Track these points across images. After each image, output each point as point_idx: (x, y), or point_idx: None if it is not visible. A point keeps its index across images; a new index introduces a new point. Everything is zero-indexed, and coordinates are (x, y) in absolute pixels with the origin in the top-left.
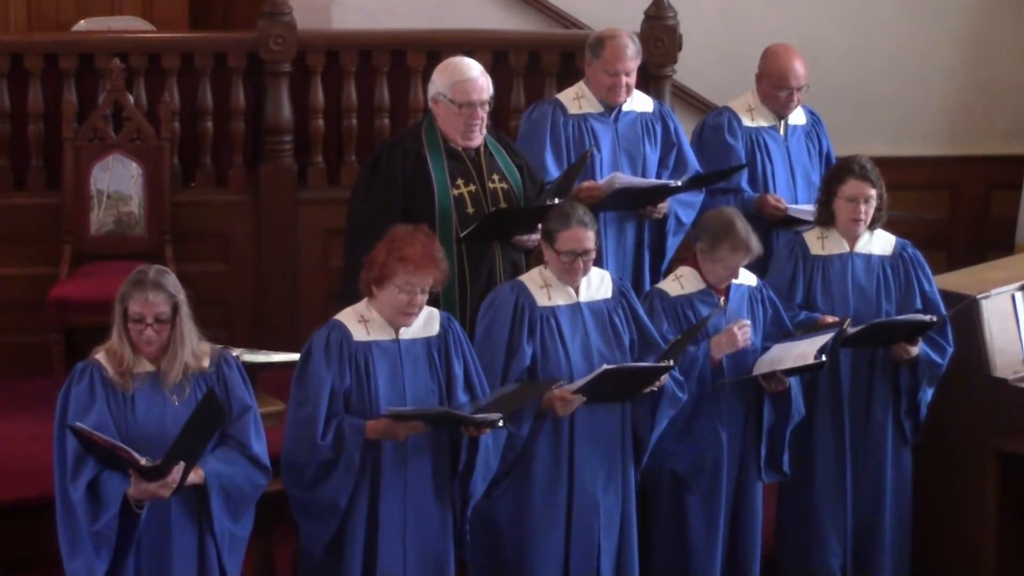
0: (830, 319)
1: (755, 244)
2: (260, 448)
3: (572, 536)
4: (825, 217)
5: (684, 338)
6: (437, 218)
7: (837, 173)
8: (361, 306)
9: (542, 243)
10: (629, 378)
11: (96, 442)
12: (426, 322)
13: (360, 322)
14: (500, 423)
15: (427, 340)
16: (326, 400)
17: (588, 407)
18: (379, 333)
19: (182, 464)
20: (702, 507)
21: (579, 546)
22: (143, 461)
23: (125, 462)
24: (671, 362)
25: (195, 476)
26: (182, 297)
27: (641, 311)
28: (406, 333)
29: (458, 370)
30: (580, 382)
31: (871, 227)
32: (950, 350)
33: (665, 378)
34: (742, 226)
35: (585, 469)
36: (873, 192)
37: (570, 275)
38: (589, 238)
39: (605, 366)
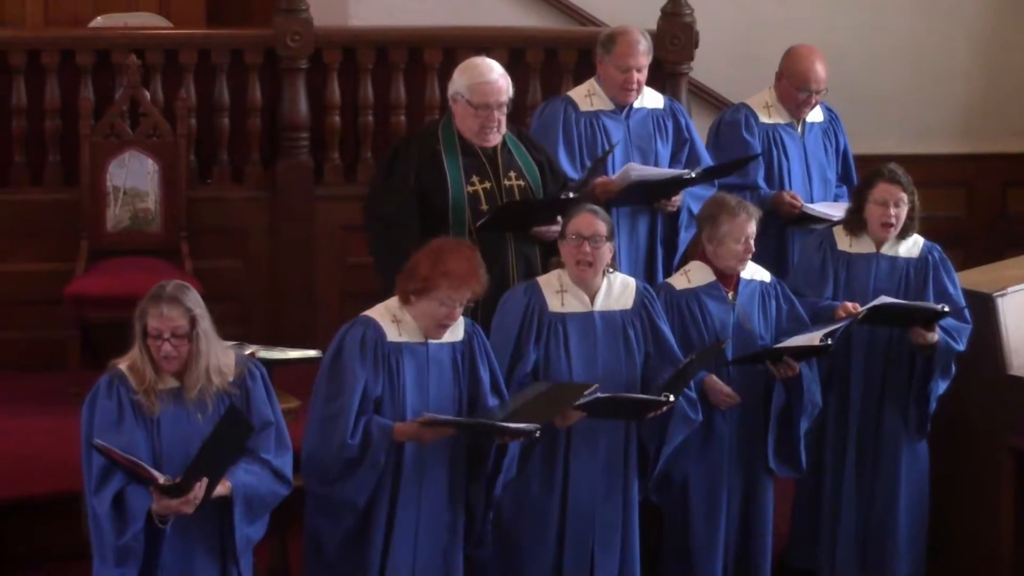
0: (850, 305)
1: (753, 208)
2: (282, 461)
3: (565, 546)
4: (856, 224)
5: (688, 369)
6: (450, 214)
7: (866, 179)
8: (393, 305)
9: (559, 240)
10: (626, 406)
11: (116, 460)
12: (452, 328)
13: (394, 322)
14: (537, 434)
15: (452, 345)
16: (358, 398)
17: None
18: (411, 335)
19: (205, 480)
20: (703, 505)
21: (572, 556)
22: (162, 480)
23: (146, 479)
24: (671, 397)
25: (222, 488)
26: (200, 312)
27: (661, 324)
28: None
29: (484, 375)
30: (578, 402)
31: (903, 234)
32: (962, 347)
33: (667, 409)
34: (732, 197)
35: (581, 478)
36: (903, 195)
37: (578, 266)
38: (598, 224)
39: (598, 394)
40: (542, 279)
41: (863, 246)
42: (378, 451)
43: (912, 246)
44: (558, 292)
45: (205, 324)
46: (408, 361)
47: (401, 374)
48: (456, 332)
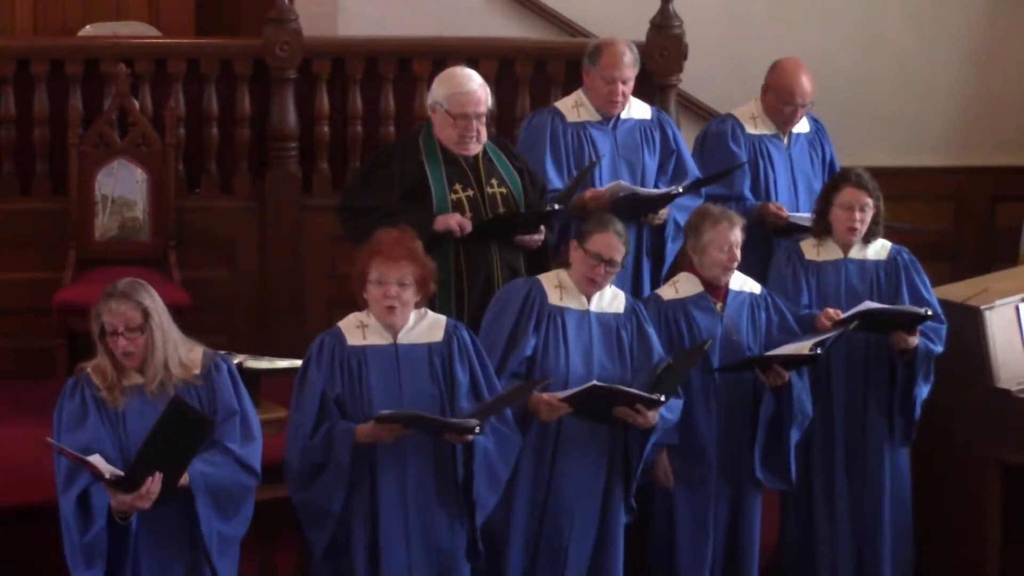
0: (831, 311)
1: (736, 216)
2: (247, 450)
3: (542, 539)
4: (821, 228)
5: (675, 370)
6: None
7: (833, 182)
8: (363, 312)
9: (572, 242)
10: (618, 400)
11: (69, 458)
12: (430, 328)
13: (358, 327)
14: (476, 429)
15: (428, 346)
16: (316, 404)
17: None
18: (376, 338)
19: (158, 475)
20: (689, 517)
21: (546, 550)
22: (107, 474)
23: (96, 475)
24: (662, 397)
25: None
26: (152, 305)
27: (650, 331)
28: (405, 338)
29: (462, 377)
30: (568, 392)
31: (867, 239)
32: (940, 348)
33: (654, 415)
34: (715, 206)
35: (566, 476)
36: (869, 200)
37: (589, 280)
38: (619, 250)
39: (595, 382)
40: (542, 276)
41: (830, 253)
42: (341, 453)
43: (880, 249)
44: (557, 287)
45: (158, 318)
46: (374, 363)
47: (365, 377)
48: (435, 333)
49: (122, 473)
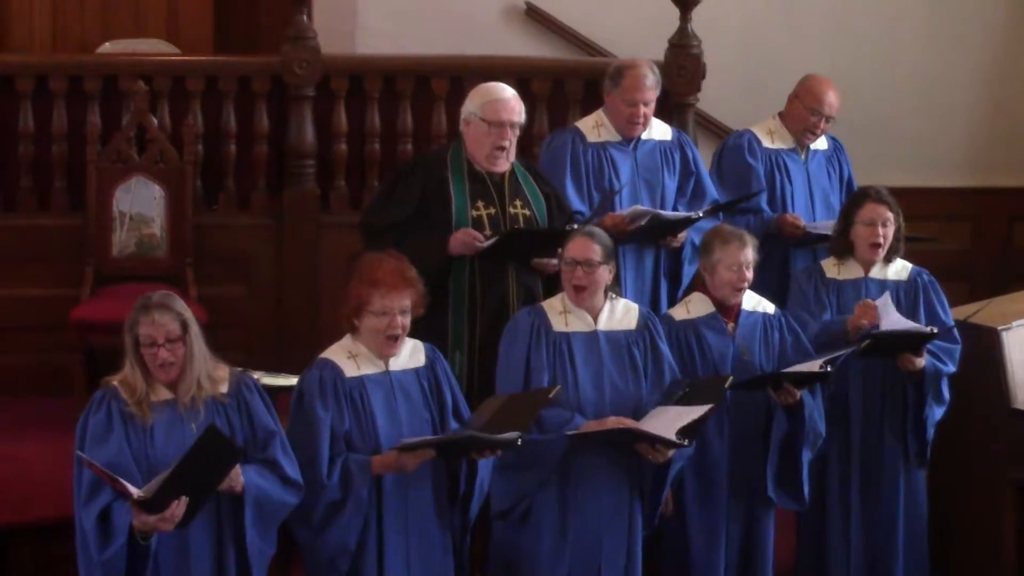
0: (869, 301)
1: (748, 236)
2: (292, 470)
3: (573, 562)
4: (842, 247)
5: (701, 416)
6: None
7: (854, 199)
8: (347, 342)
9: (560, 264)
10: (642, 439)
11: (97, 473)
12: (412, 354)
13: (349, 358)
14: (519, 442)
15: (416, 371)
16: (327, 440)
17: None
18: (369, 367)
19: (184, 499)
20: (702, 529)
21: (578, 572)
22: (135, 495)
23: (122, 493)
24: (686, 441)
25: (236, 485)
26: (189, 316)
27: (662, 344)
28: (395, 365)
29: (448, 398)
30: (593, 431)
31: (888, 258)
32: (953, 368)
33: (671, 452)
34: (728, 225)
35: (589, 498)
36: (891, 216)
37: (574, 288)
38: (592, 249)
39: (625, 425)
40: (546, 302)
41: (851, 272)
42: (360, 488)
43: (900, 269)
44: (561, 313)
45: (196, 328)
46: (374, 392)
47: (368, 407)
48: (418, 358)
49: (148, 496)
